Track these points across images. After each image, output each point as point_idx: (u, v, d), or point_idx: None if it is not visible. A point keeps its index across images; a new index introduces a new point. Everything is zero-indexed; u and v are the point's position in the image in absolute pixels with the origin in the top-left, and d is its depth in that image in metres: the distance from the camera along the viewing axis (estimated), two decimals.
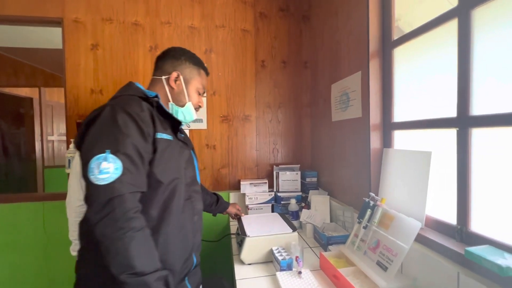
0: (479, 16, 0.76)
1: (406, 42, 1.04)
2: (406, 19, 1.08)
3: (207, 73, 1.02)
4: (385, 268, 0.85)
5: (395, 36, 1.10)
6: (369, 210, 1.00)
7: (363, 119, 1.21)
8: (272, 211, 1.69)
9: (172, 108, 0.92)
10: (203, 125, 1.76)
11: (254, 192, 1.69)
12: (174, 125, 0.89)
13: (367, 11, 1.16)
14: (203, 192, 1.27)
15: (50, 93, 3.84)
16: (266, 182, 1.73)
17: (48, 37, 2.64)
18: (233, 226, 1.54)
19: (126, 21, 1.67)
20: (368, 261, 0.93)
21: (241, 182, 1.71)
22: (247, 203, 1.67)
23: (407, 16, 1.08)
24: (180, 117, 0.93)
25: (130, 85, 0.87)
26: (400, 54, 1.10)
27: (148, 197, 0.74)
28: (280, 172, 1.72)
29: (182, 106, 0.93)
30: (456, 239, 0.81)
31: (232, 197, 1.77)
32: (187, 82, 0.93)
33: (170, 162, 0.80)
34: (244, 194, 1.69)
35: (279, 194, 1.68)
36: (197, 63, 0.97)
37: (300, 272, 0.97)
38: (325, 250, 1.20)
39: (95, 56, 1.65)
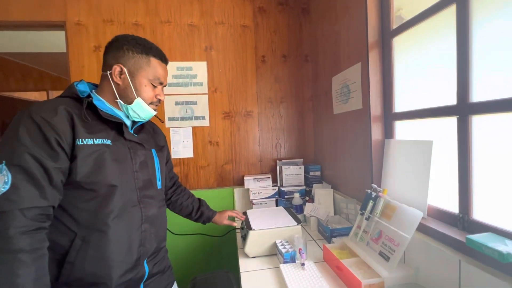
0: (477, 1, 0.74)
1: (405, 31, 1.03)
2: (408, 8, 1.06)
3: (163, 61, 0.87)
4: (387, 258, 0.85)
5: (396, 26, 1.09)
6: (371, 201, 1.00)
7: (364, 110, 1.20)
8: (277, 206, 1.70)
9: (121, 106, 0.82)
10: (205, 122, 1.78)
11: (258, 187, 1.71)
12: (118, 125, 0.80)
13: (365, 0, 1.14)
14: (182, 197, 1.17)
15: None
16: (269, 177, 1.74)
17: (54, 41, 2.70)
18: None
19: (127, 21, 1.69)
20: (371, 251, 0.93)
21: (245, 178, 1.72)
22: (251, 198, 1.68)
23: (410, 5, 1.06)
24: (132, 115, 0.83)
25: (70, 85, 0.80)
26: (400, 44, 1.08)
27: (75, 205, 0.71)
28: (283, 167, 1.73)
29: (130, 103, 0.81)
30: (458, 227, 0.80)
31: (236, 192, 1.79)
32: (132, 75, 0.80)
33: (103, 168, 0.72)
34: (248, 189, 1.71)
35: (282, 188, 1.69)
36: (145, 51, 0.82)
37: (303, 264, 0.98)
38: (329, 243, 1.21)
39: (98, 58, 1.67)
